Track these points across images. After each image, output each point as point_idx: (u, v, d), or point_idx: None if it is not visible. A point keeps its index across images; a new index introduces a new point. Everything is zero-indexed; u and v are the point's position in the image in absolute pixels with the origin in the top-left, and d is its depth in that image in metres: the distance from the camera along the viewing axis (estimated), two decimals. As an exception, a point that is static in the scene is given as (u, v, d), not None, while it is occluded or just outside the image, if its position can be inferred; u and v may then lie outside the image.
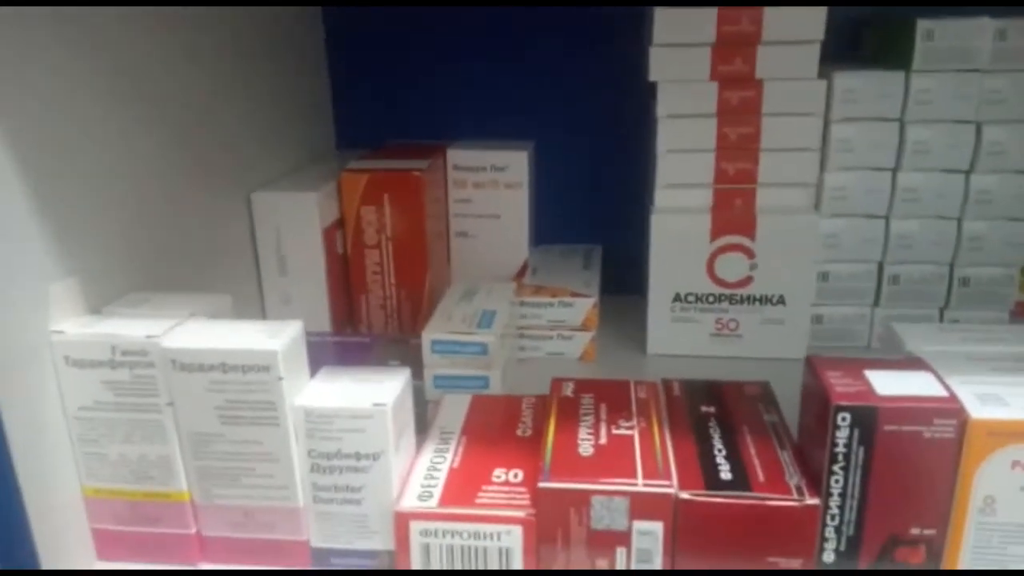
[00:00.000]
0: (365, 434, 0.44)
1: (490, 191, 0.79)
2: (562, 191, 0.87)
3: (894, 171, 0.70)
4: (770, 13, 0.66)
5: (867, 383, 0.42)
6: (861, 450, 0.41)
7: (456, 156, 0.79)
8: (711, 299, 0.72)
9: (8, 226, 0.42)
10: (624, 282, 0.85)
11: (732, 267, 0.71)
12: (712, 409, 0.50)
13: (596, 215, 0.88)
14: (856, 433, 0.41)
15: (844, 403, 0.40)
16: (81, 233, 0.47)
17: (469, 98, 0.87)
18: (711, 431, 0.48)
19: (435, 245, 0.76)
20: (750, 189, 0.71)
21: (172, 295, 0.51)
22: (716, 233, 0.70)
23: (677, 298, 0.72)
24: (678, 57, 0.68)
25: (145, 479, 0.46)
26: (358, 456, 0.45)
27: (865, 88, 0.68)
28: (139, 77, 0.53)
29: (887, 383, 0.42)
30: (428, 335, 0.59)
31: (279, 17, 0.75)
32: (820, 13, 0.66)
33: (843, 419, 0.41)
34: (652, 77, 0.69)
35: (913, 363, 0.45)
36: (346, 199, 0.71)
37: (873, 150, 0.69)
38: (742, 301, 0.72)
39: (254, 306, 0.70)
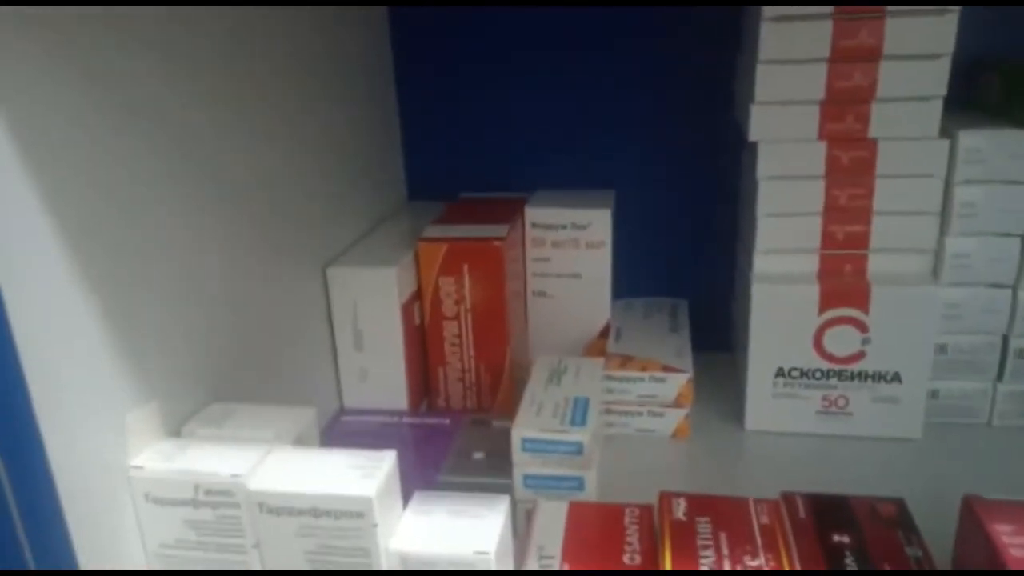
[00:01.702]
0: (467, 582, 0.40)
1: (570, 250, 0.75)
2: (644, 240, 0.82)
3: (1023, 237, 0.63)
4: (887, 67, 0.60)
5: (1046, 543, 0.37)
6: (1042, 626, 0.35)
7: (535, 215, 0.74)
8: (818, 375, 0.66)
9: (80, 356, 0.39)
10: (711, 338, 0.80)
11: (842, 341, 0.65)
12: (846, 539, 0.45)
13: (679, 266, 0.83)
14: (1038, 608, 0.35)
15: (1025, 575, 0.35)
16: (154, 347, 0.44)
17: (547, 145, 0.82)
18: (849, 569, 0.43)
19: (515, 312, 0.72)
20: (861, 255, 0.65)
21: (253, 408, 0.48)
22: (825, 305, 0.64)
23: (780, 373, 0.67)
24: (782, 115, 0.63)
25: (229, 619, 0.43)
26: (459, 604, 0.41)
27: (993, 148, 0.61)
28: (198, 157, 0.49)
29: (1070, 544, 0.36)
30: (518, 432, 0.55)
31: (348, 62, 0.71)
32: (943, 66, 0.60)
33: (1022, 592, 0.35)
34: (753, 137, 0.64)
35: (1094, 512, 0.39)
36: (424, 270, 0.67)
37: (1000, 214, 0.63)
38: (852, 378, 0.66)
39: (329, 382, 0.67)
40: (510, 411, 0.70)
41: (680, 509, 0.48)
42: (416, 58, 0.81)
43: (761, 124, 0.63)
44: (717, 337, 0.81)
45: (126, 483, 0.41)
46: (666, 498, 0.49)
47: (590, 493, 0.55)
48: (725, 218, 0.79)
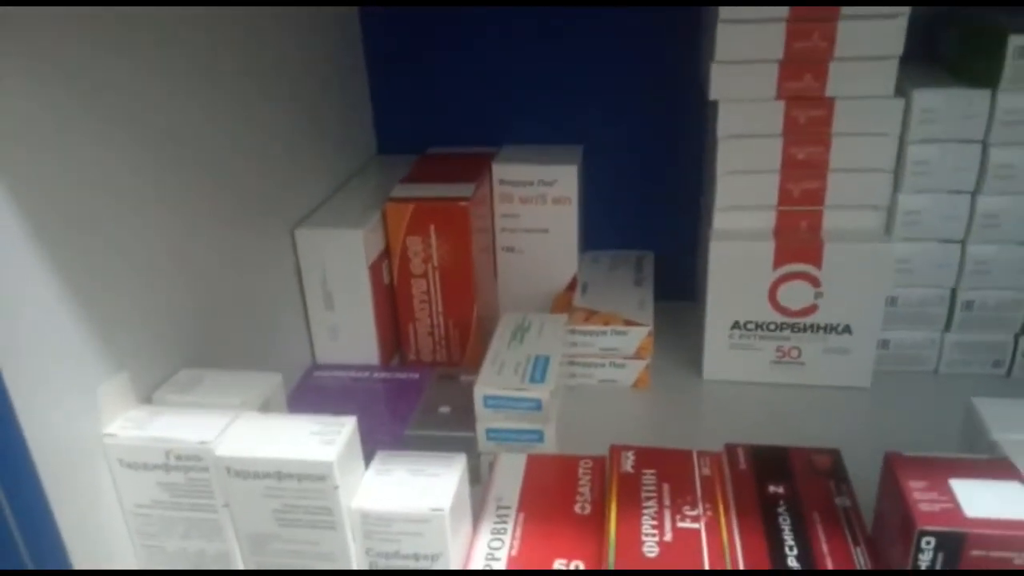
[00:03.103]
0: (423, 537, 0.43)
1: (538, 206, 0.76)
2: (611, 194, 0.84)
3: (973, 194, 0.65)
4: (844, 27, 0.61)
5: (953, 498, 0.40)
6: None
7: (502, 171, 0.75)
8: (772, 327, 0.69)
9: (48, 332, 0.41)
10: (675, 289, 0.82)
11: (796, 296, 0.67)
12: (781, 489, 0.48)
13: (646, 218, 0.85)
14: (940, 556, 0.38)
15: (929, 528, 0.38)
16: (122, 318, 0.46)
17: (516, 99, 0.82)
18: (781, 520, 0.46)
19: (482, 269, 0.74)
20: (817, 211, 0.67)
21: (221, 374, 0.50)
22: (780, 261, 0.67)
23: (736, 325, 0.69)
24: (742, 75, 0.64)
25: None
26: (416, 557, 0.44)
27: (947, 108, 0.63)
28: (157, 120, 0.50)
29: (975, 499, 0.39)
30: (480, 390, 0.58)
31: (313, 15, 0.71)
32: (899, 26, 0.61)
33: (927, 543, 0.38)
34: (713, 96, 0.65)
35: (1001, 468, 0.42)
36: (391, 229, 0.69)
37: (952, 172, 0.64)
38: (805, 330, 0.68)
39: (302, 339, 0.69)
40: (479, 364, 0.72)
41: (628, 462, 0.51)
42: (384, 12, 0.80)
43: (721, 83, 0.64)
44: (681, 287, 0.84)
45: (101, 450, 0.44)
46: (616, 451, 0.52)
47: (549, 445, 0.58)
48: (690, 173, 0.80)
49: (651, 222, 0.85)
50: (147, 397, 0.48)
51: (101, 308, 0.44)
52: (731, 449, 0.52)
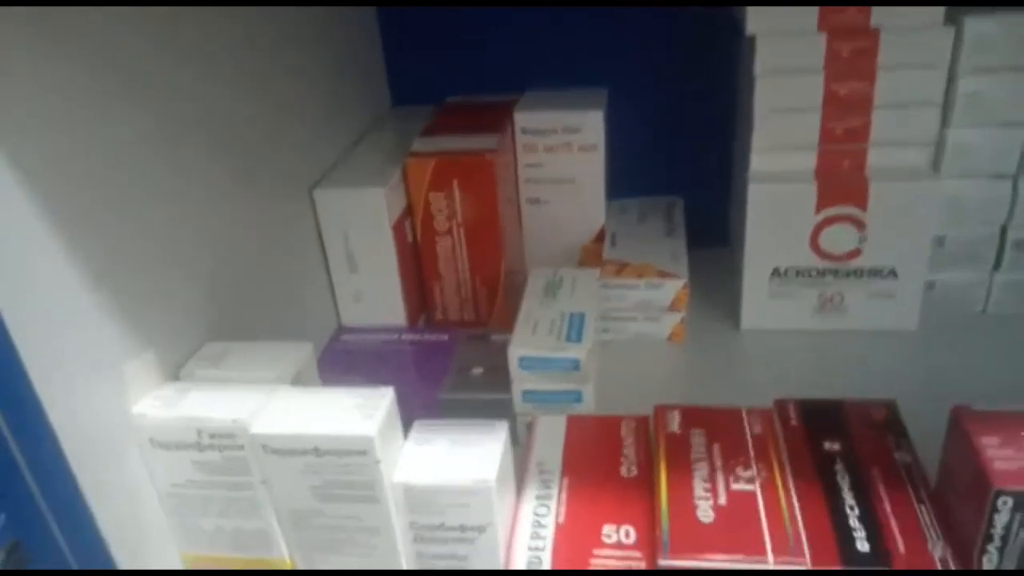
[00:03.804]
0: (469, 509, 0.42)
1: (563, 154, 0.73)
2: (637, 138, 0.80)
3: (1029, 126, 0.61)
4: (890, -50, 0.57)
5: (1031, 454, 0.37)
6: (1022, 532, 0.37)
7: (525, 119, 0.72)
8: (814, 273, 0.66)
9: (69, 312, 0.39)
10: (707, 235, 0.79)
11: (839, 239, 0.64)
12: (837, 446, 0.46)
13: (675, 163, 0.81)
14: (1018, 517, 0.36)
15: (1008, 488, 0.36)
16: (144, 294, 0.44)
17: (534, 42, 0.79)
18: (839, 479, 0.44)
19: (508, 222, 0.71)
20: (860, 149, 0.64)
21: (249, 346, 0.48)
22: (823, 203, 0.63)
23: (776, 272, 0.67)
24: (781, 6, 0.60)
25: (244, 548, 0.45)
26: (463, 528, 0.42)
27: (1001, 33, 0.58)
28: (165, 88, 0.47)
29: (1054, 454, 0.37)
30: (515, 351, 0.56)
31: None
32: (951, -53, 0.56)
33: (1004, 503, 0.36)
34: (750, 30, 0.61)
35: (1080, 420, 0.39)
36: (413, 186, 0.66)
37: (1005, 104, 0.61)
38: (849, 275, 0.66)
39: (326, 302, 0.67)
40: (508, 322, 0.70)
41: (675, 422, 0.49)
42: (392, -46, 0.76)
43: (758, 16, 0.60)
44: (714, 233, 0.81)
45: (131, 430, 0.42)
46: (661, 411, 0.50)
47: (588, 405, 0.56)
48: (721, 114, 0.77)
49: (680, 167, 0.81)
50: (174, 374, 0.46)
51: (122, 285, 0.42)
52: (781, 405, 0.50)
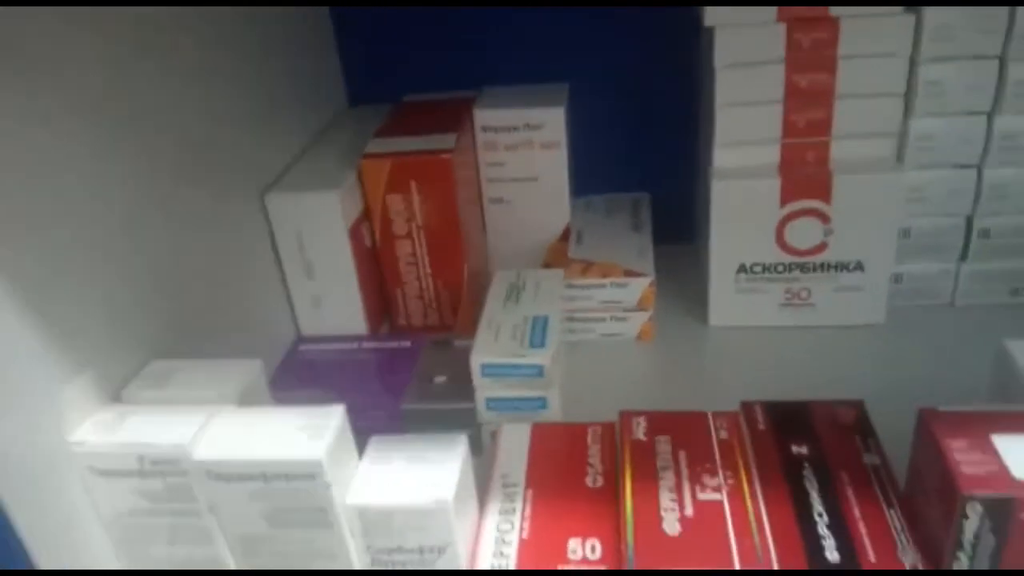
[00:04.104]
0: (427, 530, 0.40)
1: (524, 152, 0.71)
2: (600, 133, 0.79)
3: (990, 115, 0.61)
4: (849, -62, 0.56)
5: (997, 458, 0.37)
6: (992, 538, 0.36)
7: (485, 117, 0.70)
8: (780, 268, 0.65)
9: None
10: (674, 230, 0.78)
11: (805, 234, 0.64)
12: (804, 450, 0.45)
13: (639, 158, 0.80)
14: (987, 523, 0.36)
15: (976, 493, 0.35)
16: (82, 312, 0.42)
17: (491, 37, 0.77)
18: (807, 484, 0.43)
19: (470, 223, 0.69)
20: (823, 142, 0.63)
21: (195, 364, 0.46)
22: (787, 198, 0.62)
23: (742, 269, 0.66)
24: (738, -3, 0.58)
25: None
26: (422, 550, 0.41)
27: (962, 23, 0.58)
28: (100, 84, 0.45)
29: (1021, 457, 0.36)
30: (477, 358, 0.54)
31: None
32: (910, -66, 0.55)
33: (973, 509, 0.35)
34: (709, 21, 0.60)
35: (1048, 419, 0.39)
36: (369, 188, 0.64)
37: (967, 92, 0.60)
38: (815, 269, 0.65)
39: (284, 311, 0.65)
40: (472, 326, 0.68)
41: (640, 429, 0.48)
42: (343, -51, 0.74)
43: (717, 8, 0.59)
44: (680, 229, 0.79)
45: (68, 459, 0.40)
46: (626, 417, 0.49)
47: (554, 411, 0.55)
48: (685, 108, 0.75)
49: (645, 162, 0.80)
50: (116, 395, 0.44)
51: (54, 302, 0.40)
52: (748, 407, 0.49)
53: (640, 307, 0.67)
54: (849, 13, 0.58)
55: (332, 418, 0.40)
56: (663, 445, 0.46)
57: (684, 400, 0.60)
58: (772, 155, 0.64)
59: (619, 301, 0.67)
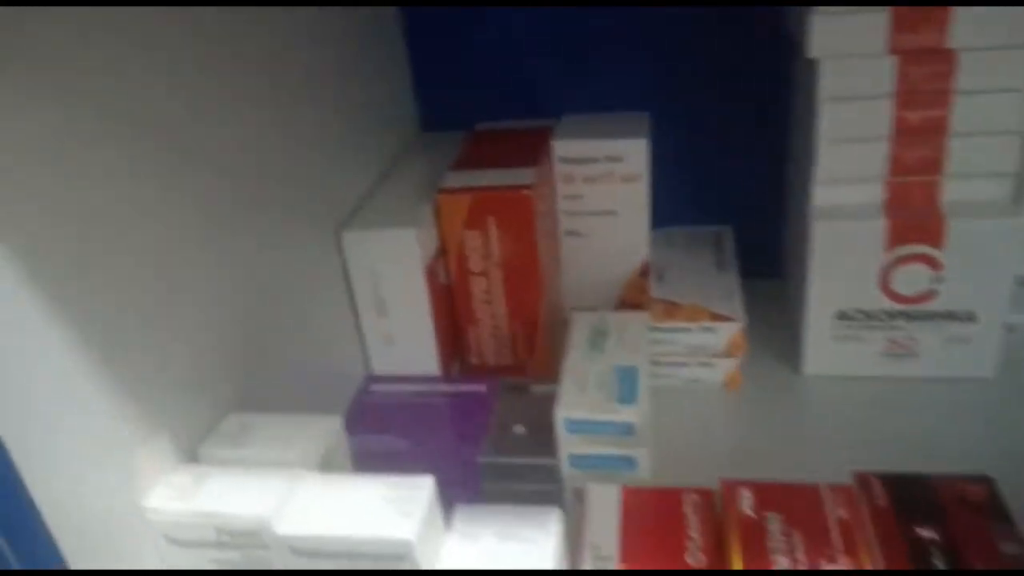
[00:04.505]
0: (522, 616, 0.37)
1: (604, 185, 0.68)
2: (682, 164, 0.75)
3: (1124, 154, 0.56)
4: (971, -35, 0.51)
5: None
6: None
7: (564, 148, 0.67)
8: (883, 316, 0.61)
9: (65, 398, 0.34)
10: (758, 264, 0.74)
11: (912, 280, 0.59)
12: (931, 534, 0.41)
13: (721, 190, 0.76)
14: None
15: None
16: (157, 368, 0.39)
17: (571, 64, 0.74)
18: (938, 576, 0.39)
19: (547, 258, 0.66)
20: (933, 181, 0.58)
21: (273, 420, 0.43)
22: (894, 241, 0.58)
23: (841, 315, 0.61)
24: (847, 27, 0.54)
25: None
26: (514, 636, 0.37)
27: (1097, 55, 0.53)
28: (171, 123, 0.43)
29: None
30: (562, 412, 0.51)
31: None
32: (1041, -40, 0.51)
33: None
34: (813, 52, 0.56)
35: None
36: (446, 223, 0.61)
37: (1099, 130, 0.55)
38: (921, 317, 0.60)
39: (355, 348, 0.63)
40: (547, 367, 0.66)
41: (747, 503, 0.44)
42: (420, -28, 0.72)
43: (823, 37, 0.55)
44: (766, 264, 0.75)
45: (142, 525, 0.38)
46: (730, 488, 0.45)
47: (643, 471, 0.51)
48: (771, 135, 0.72)
49: (727, 193, 0.76)
50: (191, 451, 0.42)
51: (130, 358, 0.37)
52: (864, 480, 0.45)
53: (728, 353, 0.63)
54: (968, 46, 0.54)
55: (421, 491, 0.37)
56: (774, 523, 0.43)
57: (779, 459, 0.56)
58: (876, 194, 0.59)
59: (706, 346, 0.63)
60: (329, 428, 0.43)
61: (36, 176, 0.33)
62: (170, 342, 0.40)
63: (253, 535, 0.37)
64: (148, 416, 0.38)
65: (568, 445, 0.52)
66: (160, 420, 0.39)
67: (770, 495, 0.44)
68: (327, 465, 0.41)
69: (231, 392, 0.45)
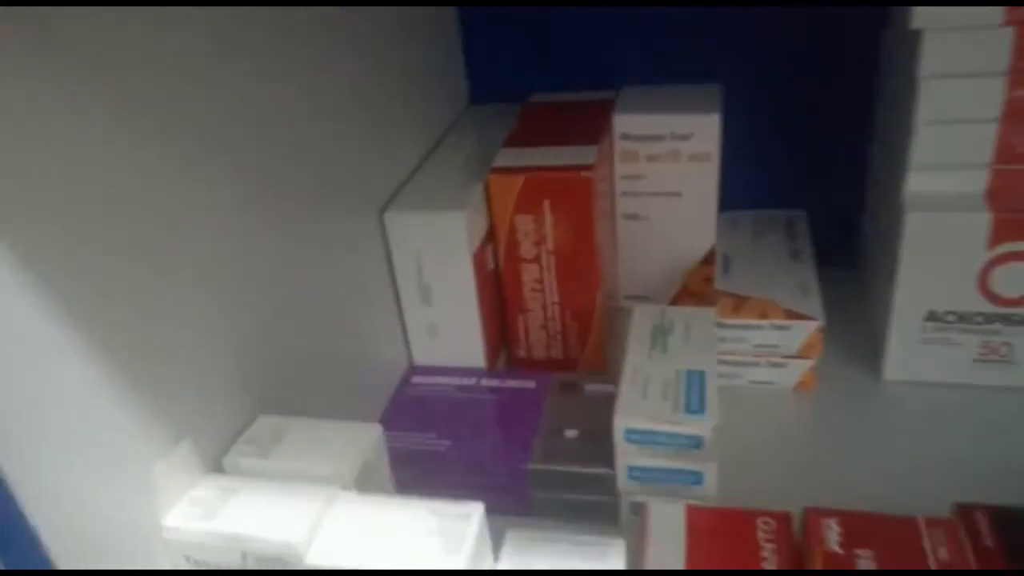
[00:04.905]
0: (580, 665, 0.33)
1: (669, 164, 0.62)
2: (751, 141, 0.69)
3: None
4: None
5: None
6: None
7: (626, 123, 0.62)
8: (979, 319, 0.55)
9: (79, 400, 0.31)
10: (832, 253, 0.68)
11: (1014, 281, 0.53)
12: (1051, 584, 0.36)
13: (794, 170, 0.70)
14: None
15: None
16: (180, 367, 0.36)
17: (631, 29, 0.68)
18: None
19: (604, 247, 0.61)
20: (1046, 170, 0.52)
21: (307, 425, 0.39)
22: (998, 237, 0.52)
23: (932, 316, 0.55)
24: (958, -5, 0.48)
25: None
26: None
27: None
28: (203, 102, 0.39)
29: None
30: (622, 421, 0.46)
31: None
32: None
33: None
34: (917, 23, 0.49)
35: None
36: (496, 206, 0.56)
37: None
38: (1022, 322, 0.54)
39: (396, 337, 0.59)
40: (601, 362, 0.61)
41: (833, 535, 0.39)
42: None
43: (930, 6, 0.49)
44: (841, 252, 0.69)
45: (162, 545, 0.34)
46: (813, 517, 0.40)
47: (709, 488, 0.47)
48: (852, 112, 0.65)
49: (799, 173, 0.70)
50: (217, 460, 0.38)
51: (140, 361, 0.34)
52: (967, 514, 0.40)
53: (803, 354, 0.57)
54: (1102, 14, 0.47)
55: (470, 523, 0.33)
56: (865, 561, 0.38)
57: (858, 475, 0.51)
58: (979, 183, 0.53)
59: (777, 346, 0.57)
60: (368, 438, 0.38)
61: (44, 173, 0.29)
62: (190, 340, 0.36)
63: (281, 561, 0.33)
64: (167, 423, 0.35)
65: (627, 456, 0.47)
66: (182, 427, 0.36)
67: (860, 527, 0.39)
68: (365, 480, 0.37)
69: (262, 388, 0.41)
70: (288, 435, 0.39)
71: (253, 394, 0.41)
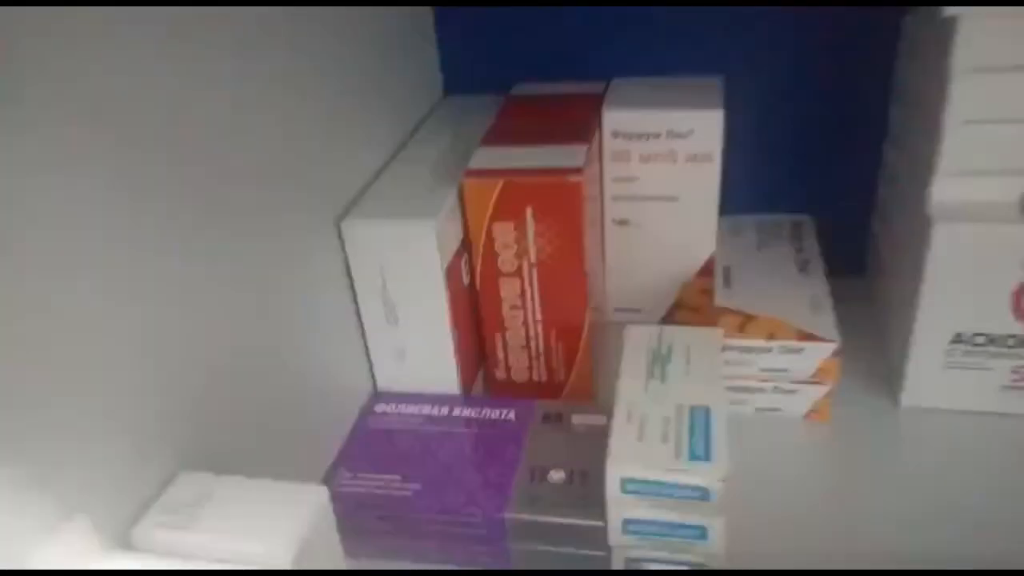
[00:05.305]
0: None
1: (665, 165, 0.56)
2: (753, 141, 0.62)
3: None
4: None
5: None
6: None
7: (617, 120, 0.55)
8: (1011, 342, 0.49)
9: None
10: (840, 260, 0.61)
11: (1054, 301, 0.47)
12: None
13: (799, 172, 0.64)
14: None
15: None
16: (75, 416, 0.29)
17: (627, 13, 0.61)
18: None
19: (592, 259, 0.54)
20: (1091, 177, 0.46)
21: (237, 486, 0.33)
22: (1036, 253, 0.46)
23: (958, 338, 0.49)
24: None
25: None
26: None
27: None
28: (124, 94, 0.32)
29: None
30: (616, 469, 0.40)
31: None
32: None
33: None
34: (951, 11, 0.43)
35: None
36: (472, 213, 0.50)
37: None
38: (1061, 347, 0.48)
39: (358, 364, 0.52)
40: (589, 388, 0.55)
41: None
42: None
43: (965, -9, 0.42)
44: (850, 259, 0.63)
45: (48, 649, 0.27)
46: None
47: (714, 545, 0.40)
48: (863, 109, 0.59)
49: (805, 176, 0.64)
50: (124, 533, 0.31)
51: (19, 403, 0.27)
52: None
53: (817, 379, 0.51)
54: None
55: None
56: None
57: (877, 513, 0.45)
58: (1014, 190, 0.47)
59: (787, 370, 0.51)
60: (309, 507, 0.32)
61: None
62: (85, 377, 0.30)
63: (195, 676, 0.26)
64: (54, 492, 0.28)
65: (622, 507, 0.41)
66: (76, 495, 0.29)
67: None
68: (306, 557, 0.30)
69: (185, 436, 0.35)
70: (213, 498, 0.32)
71: (173, 444, 0.34)
